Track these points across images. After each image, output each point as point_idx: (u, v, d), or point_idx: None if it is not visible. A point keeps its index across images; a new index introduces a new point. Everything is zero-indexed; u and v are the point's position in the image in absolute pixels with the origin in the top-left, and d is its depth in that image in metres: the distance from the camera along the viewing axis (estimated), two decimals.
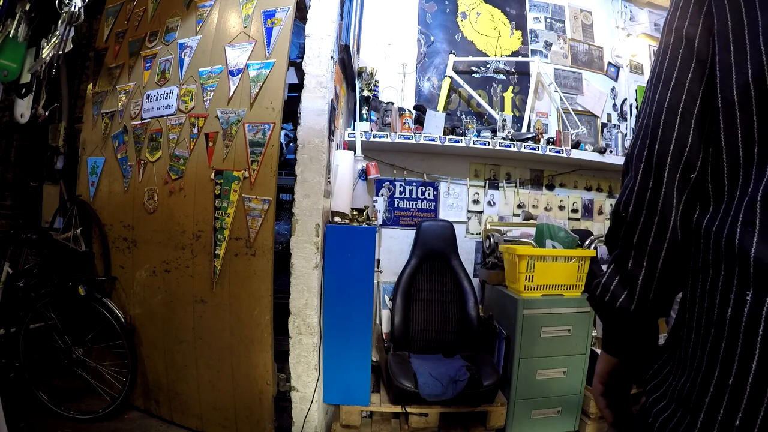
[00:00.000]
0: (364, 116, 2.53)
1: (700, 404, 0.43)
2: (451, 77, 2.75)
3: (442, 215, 2.80)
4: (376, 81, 2.60)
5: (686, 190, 0.53)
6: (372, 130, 2.50)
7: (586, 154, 2.72)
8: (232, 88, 1.95)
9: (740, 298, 0.41)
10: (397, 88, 2.82)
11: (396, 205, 2.79)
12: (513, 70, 2.94)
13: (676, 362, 0.50)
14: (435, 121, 2.58)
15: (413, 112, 2.63)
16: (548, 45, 3.02)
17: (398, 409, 2.04)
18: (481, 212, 2.86)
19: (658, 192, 0.54)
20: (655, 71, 0.57)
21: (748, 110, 0.45)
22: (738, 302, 0.41)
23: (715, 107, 0.49)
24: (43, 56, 1.86)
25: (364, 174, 2.47)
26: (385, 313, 2.59)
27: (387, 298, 2.61)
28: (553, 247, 2.24)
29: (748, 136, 0.45)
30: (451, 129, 2.62)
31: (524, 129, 2.81)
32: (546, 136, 2.74)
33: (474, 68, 2.90)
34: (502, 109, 2.89)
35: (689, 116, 0.53)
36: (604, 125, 3.09)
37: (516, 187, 2.90)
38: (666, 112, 0.54)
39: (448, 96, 2.80)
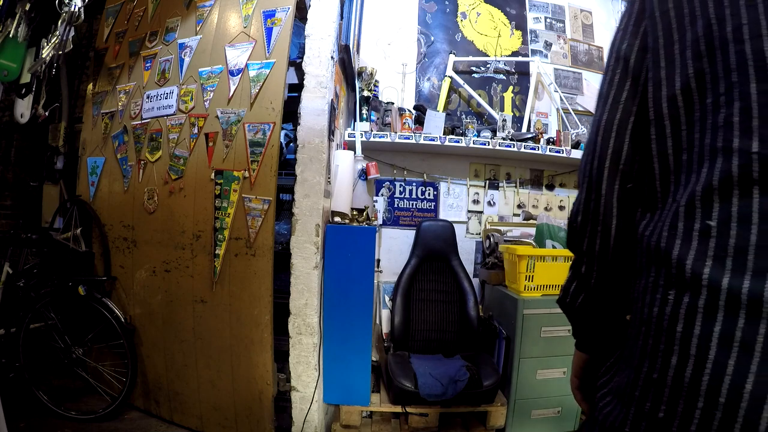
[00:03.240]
0: (364, 116, 2.53)
1: (631, 398, 0.46)
2: (451, 77, 2.75)
3: (442, 215, 2.80)
4: (376, 81, 2.60)
5: (625, 200, 0.58)
6: (372, 130, 2.50)
7: None
8: (232, 88, 1.95)
9: (664, 297, 0.44)
10: (397, 88, 2.82)
11: (396, 205, 2.79)
12: (513, 70, 2.94)
13: (622, 360, 0.53)
14: (435, 121, 2.58)
15: (413, 112, 2.63)
16: (548, 45, 3.02)
17: (398, 409, 2.05)
18: (481, 212, 2.86)
19: (599, 202, 0.59)
20: (599, 91, 0.62)
21: (676, 120, 0.49)
22: (662, 301, 0.44)
23: (647, 120, 0.53)
24: (43, 56, 1.87)
25: (364, 174, 2.47)
26: (385, 313, 2.59)
27: (387, 298, 2.61)
28: (553, 247, 2.24)
29: (677, 145, 0.49)
30: (451, 129, 2.62)
31: (524, 129, 2.81)
32: (546, 136, 2.74)
33: (474, 68, 2.90)
34: (502, 109, 2.89)
35: (623, 131, 0.57)
36: None
37: (516, 187, 2.90)
38: (603, 129, 0.59)
39: (448, 96, 2.80)
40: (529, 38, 2.99)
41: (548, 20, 3.04)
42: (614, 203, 0.58)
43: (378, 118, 2.58)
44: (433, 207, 2.81)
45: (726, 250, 0.40)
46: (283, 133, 2.42)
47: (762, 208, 0.39)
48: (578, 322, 0.68)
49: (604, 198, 0.58)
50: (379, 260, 2.60)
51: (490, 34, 2.95)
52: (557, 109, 2.97)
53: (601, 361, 0.66)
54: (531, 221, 2.64)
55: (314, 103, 1.91)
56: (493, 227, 2.67)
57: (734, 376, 0.37)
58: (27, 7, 1.77)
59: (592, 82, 3.08)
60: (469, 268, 2.69)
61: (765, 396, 0.36)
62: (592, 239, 0.61)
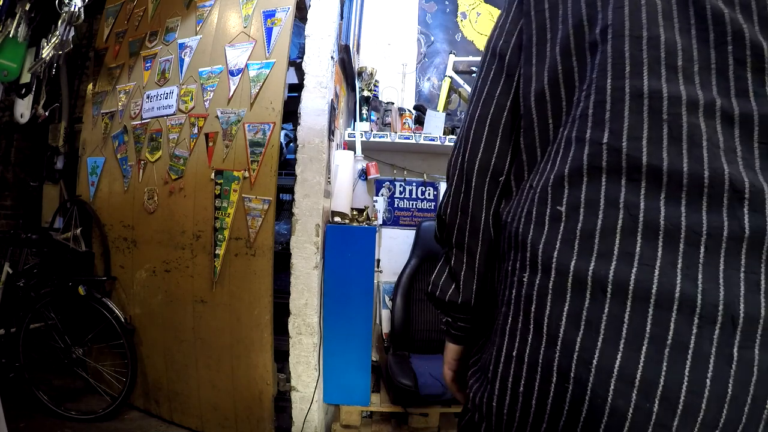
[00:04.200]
0: (364, 116, 2.53)
1: (496, 373, 0.48)
2: (451, 77, 2.75)
3: None
4: (376, 81, 2.60)
5: (497, 192, 0.59)
6: (372, 130, 2.50)
7: None
8: (232, 88, 1.95)
9: (520, 279, 0.46)
10: (397, 88, 2.82)
11: (396, 205, 2.79)
12: None
13: (490, 340, 0.54)
14: (435, 121, 2.58)
15: (413, 112, 2.63)
16: None
17: (398, 409, 2.05)
18: None
19: (469, 195, 0.60)
20: (473, 86, 0.63)
21: (543, 114, 0.51)
22: (519, 283, 0.46)
23: (518, 115, 0.55)
24: (43, 56, 1.86)
25: (364, 174, 2.46)
26: (385, 313, 2.59)
27: (387, 298, 2.61)
28: None
29: (543, 137, 0.51)
30: (451, 129, 2.62)
31: None
32: None
33: (474, 68, 2.89)
34: None
35: (497, 126, 0.58)
36: None
37: None
38: (476, 123, 0.59)
39: (448, 96, 2.80)
40: None
41: None
42: (484, 196, 0.59)
43: (378, 118, 2.57)
44: (433, 207, 2.81)
45: (574, 234, 0.42)
46: (283, 133, 2.42)
47: (608, 195, 0.41)
48: (449, 315, 0.67)
49: (474, 191, 0.59)
50: (379, 260, 2.60)
51: None
52: None
53: (472, 349, 0.67)
54: None
55: (314, 103, 1.91)
56: None
57: (581, 353, 0.40)
58: (27, 7, 1.76)
59: None
60: None
61: (612, 370, 0.38)
62: (461, 232, 0.61)
